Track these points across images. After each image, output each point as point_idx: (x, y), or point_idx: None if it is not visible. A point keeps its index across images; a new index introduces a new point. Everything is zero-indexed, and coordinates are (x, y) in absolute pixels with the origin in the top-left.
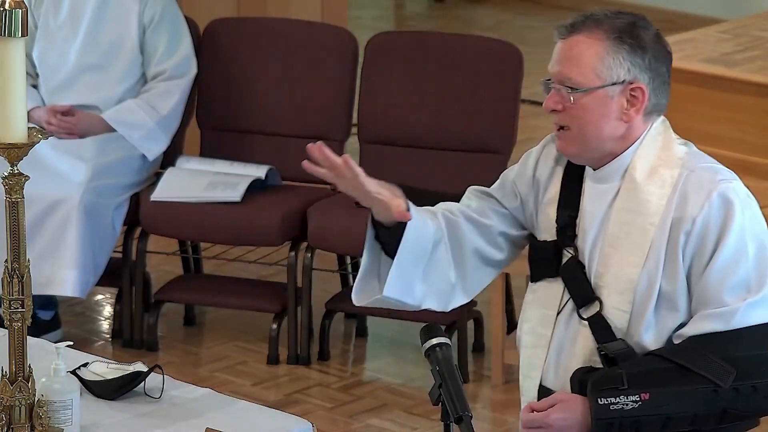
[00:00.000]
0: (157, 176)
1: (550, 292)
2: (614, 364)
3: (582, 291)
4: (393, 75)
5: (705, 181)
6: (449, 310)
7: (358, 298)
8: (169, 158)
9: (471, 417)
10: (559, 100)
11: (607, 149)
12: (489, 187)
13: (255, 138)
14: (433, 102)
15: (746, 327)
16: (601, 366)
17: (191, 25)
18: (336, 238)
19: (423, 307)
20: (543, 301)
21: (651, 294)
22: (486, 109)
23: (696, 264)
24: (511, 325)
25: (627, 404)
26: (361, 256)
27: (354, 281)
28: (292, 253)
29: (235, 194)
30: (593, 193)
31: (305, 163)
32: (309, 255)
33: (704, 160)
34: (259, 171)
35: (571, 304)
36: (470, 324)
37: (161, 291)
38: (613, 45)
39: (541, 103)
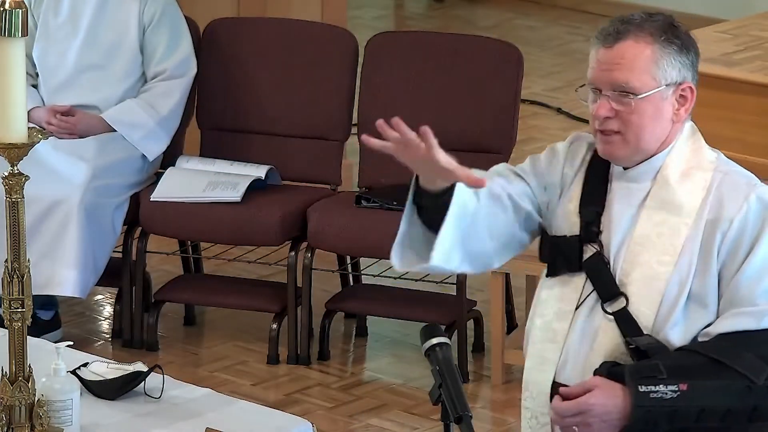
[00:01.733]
0: (157, 176)
1: (570, 287)
2: (644, 357)
3: (607, 286)
4: (393, 75)
5: (741, 183)
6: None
7: (400, 263)
8: (169, 158)
9: (471, 417)
10: (612, 107)
11: (651, 150)
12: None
13: (255, 138)
14: (433, 102)
15: None
16: (625, 361)
17: (191, 25)
18: (336, 238)
19: (458, 272)
20: (560, 296)
21: (681, 292)
22: (486, 109)
23: (729, 264)
24: (511, 325)
25: (666, 393)
26: (360, 256)
27: (354, 281)
28: (292, 253)
29: (235, 194)
30: (623, 192)
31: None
32: (309, 255)
33: (734, 165)
34: (259, 171)
35: (591, 300)
36: (470, 324)
37: (161, 291)
38: (663, 47)
39: (540, 103)
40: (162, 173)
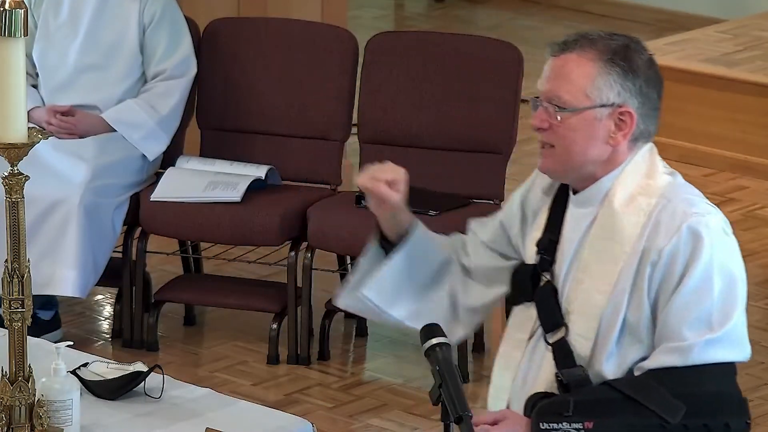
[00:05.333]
0: (157, 176)
1: (525, 315)
2: (569, 390)
3: (551, 316)
4: (393, 75)
5: (678, 212)
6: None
7: (342, 298)
8: (169, 158)
9: (471, 417)
10: (546, 118)
11: (589, 171)
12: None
13: (255, 138)
14: (433, 102)
15: (704, 364)
16: (557, 392)
17: (191, 25)
18: (336, 238)
19: (407, 325)
20: (518, 324)
21: (615, 323)
22: (486, 109)
23: (661, 296)
24: None
25: (569, 431)
26: (360, 256)
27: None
28: (292, 253)
29: (235, 194)
30: (573, 217)
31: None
32: (309, 255)
33: (686, 191)
34: (259, 171)
35: (541, 329)
36: None
37: (161, 291)
38: (605, 66)
39: None
40: (162, 173)
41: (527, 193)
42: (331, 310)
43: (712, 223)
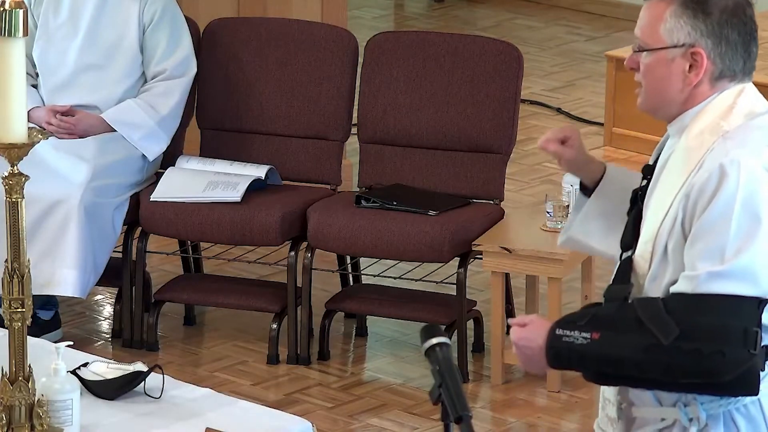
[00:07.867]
0: (157, 176)
1: None
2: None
3: (627, 236)
4: (393, 75)
5: (722, 150)
6: None
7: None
8: (169, 158)
9: (471, 417)
10: (635, 59)
11: (673, 110)
12: None
13: (255, 138)
14: (433, 102)
15: (708, 294)
16: None
17: (191, 25)
18: (336, 238)
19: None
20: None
21: (659, 247)
22: (486, 109)
23: (689, 228)
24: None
25: (578, 339)
26: (360, 256)
27: (354, 281)
28: (292, 253)
29: (235, 194)
30: (665, 148)
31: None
32: (309, 255)
33: (748, 135)
34: (259, 171)
35: None
36: (470, 324)
37: (161, 291)
38: (678, 8)
39: (540, 103)
40: (162, 173)
41: None
42: (331, 310)
43: (747, 162)
